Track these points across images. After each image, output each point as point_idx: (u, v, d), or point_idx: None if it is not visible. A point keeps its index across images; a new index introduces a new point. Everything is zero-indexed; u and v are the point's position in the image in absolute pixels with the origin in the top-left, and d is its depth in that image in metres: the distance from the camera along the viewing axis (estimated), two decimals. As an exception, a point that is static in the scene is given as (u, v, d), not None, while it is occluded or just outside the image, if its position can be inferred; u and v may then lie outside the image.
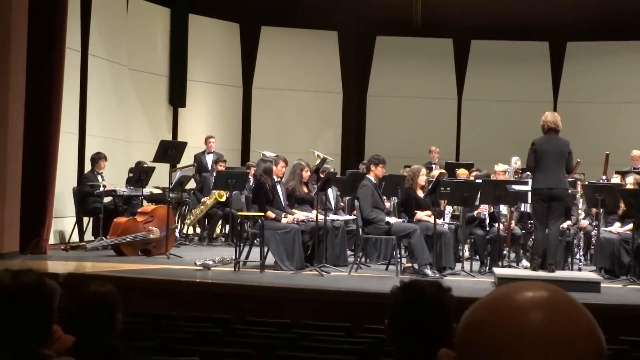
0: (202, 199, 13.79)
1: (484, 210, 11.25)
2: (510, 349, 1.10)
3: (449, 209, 11.93)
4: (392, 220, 10.64)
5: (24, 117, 10.59)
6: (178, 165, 13.53)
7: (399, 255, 10.61)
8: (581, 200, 11.93)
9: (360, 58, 18.41)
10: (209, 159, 14.67)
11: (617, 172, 12.80)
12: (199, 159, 14.78)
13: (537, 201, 9.74)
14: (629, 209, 10.54)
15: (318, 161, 12.59)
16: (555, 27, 17.61)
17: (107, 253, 11.42)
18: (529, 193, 10.31)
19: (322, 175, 11.20)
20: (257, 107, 17.92)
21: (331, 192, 11.82)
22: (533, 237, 10.33)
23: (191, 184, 14.34)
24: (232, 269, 10.21)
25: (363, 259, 11.24)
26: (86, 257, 11.11)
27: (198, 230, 14.41)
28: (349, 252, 11.49)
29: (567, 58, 17.88)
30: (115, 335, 3.68)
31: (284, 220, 10.48)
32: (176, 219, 13.37)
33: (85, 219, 12.95)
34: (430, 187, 10.61)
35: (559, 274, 9.65)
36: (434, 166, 14.52)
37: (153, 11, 16.10)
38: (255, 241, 11.05)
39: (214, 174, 13.75)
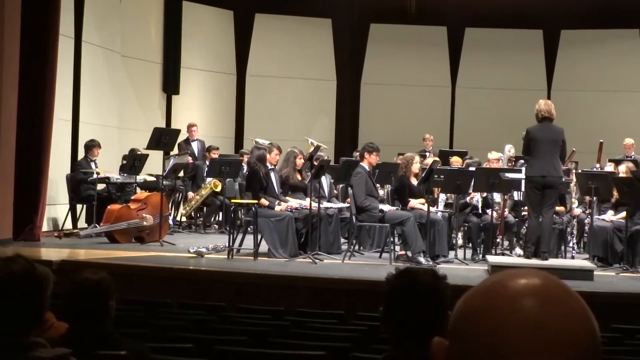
0: (189, 195, 13.74)
1: (475, 195, 11.26)
2: (503, 335, 1.10)
3: (442, 196, 11.94)
4: (386, 208, 10.64)
5: (17, 105, 10.56)
6: (172, 153, 13.49)
7: (392, 243, 10.61)
8: (575, 188, 11.94)
9: (354, 46, 18.37)
10: (194, 147, 14.57)
11: (610, 160, 12.80)
12: (182, 147, 14.63)
13: (530, 189, 9.73)
14: (622, 197, 10.56)
15: (312, 149, 12.59)
16: (549, 15, 17.59)
17: (100, 240, 11.41)
18: (523, 181, 10.31)
19: (315, 163, 11.19)
20: (251, 94, 17.87)
21: (325, 180, 11.81)
22: (526, 225, 10.34)
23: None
24: (226, 257, 10.20)
25: (356, 247, 11.24)
26: (79, 244, 11.10)
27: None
28: (342, 240, 11.48)
29: (561, 46, 17.87)
30: (108, 322, 3.68)
31: (277, 208, 10.47)
32: (170, 207, 13.35)
33: (79, 206, 12.94)
34: (423, 174, 10.60)
35: (552, 262, 9.66)
36: (427, 154, 14.54)
37: (146, -2, 16.05)
38: (248, 229, 11.05)
39: (207, 162, 13.71)
